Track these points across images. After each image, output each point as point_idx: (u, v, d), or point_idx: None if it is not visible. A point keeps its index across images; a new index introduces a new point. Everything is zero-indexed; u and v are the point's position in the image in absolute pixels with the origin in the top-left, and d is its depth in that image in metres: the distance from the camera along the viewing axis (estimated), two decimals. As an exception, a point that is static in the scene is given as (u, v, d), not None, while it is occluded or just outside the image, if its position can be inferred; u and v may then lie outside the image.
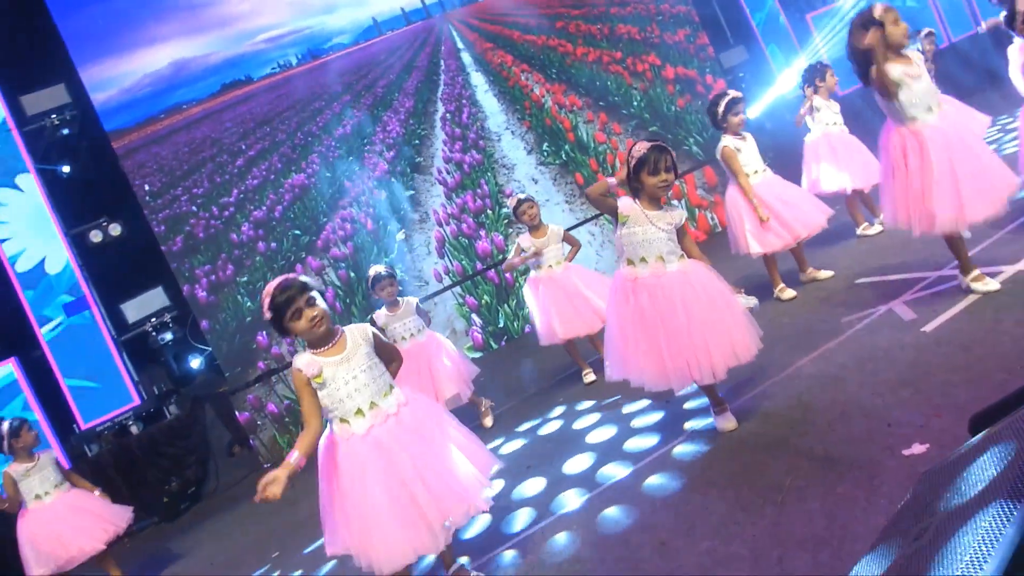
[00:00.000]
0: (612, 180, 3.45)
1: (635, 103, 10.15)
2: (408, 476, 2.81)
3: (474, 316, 8.86)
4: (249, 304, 8.30)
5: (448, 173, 9.23)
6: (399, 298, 5.42)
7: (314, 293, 2.90)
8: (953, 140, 3.68)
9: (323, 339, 2.92)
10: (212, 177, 8.54)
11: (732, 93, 5.31)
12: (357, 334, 2.99)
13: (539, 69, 9.88)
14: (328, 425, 2.96)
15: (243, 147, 8.76)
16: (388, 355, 3.09)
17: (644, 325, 3.38)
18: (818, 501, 2.65)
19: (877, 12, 3.77)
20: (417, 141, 9.23)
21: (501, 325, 8.84)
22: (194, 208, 8.36)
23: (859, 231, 6.13)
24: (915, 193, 3.70)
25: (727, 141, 5.28)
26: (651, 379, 3.39)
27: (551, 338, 5.47)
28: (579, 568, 2.98)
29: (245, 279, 8.36)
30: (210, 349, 8.26)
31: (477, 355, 8.67)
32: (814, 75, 6.39)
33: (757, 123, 10.84)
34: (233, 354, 8.15)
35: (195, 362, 8.31)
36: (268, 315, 2.90)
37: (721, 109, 5.26)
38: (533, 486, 4.00)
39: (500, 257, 9.05)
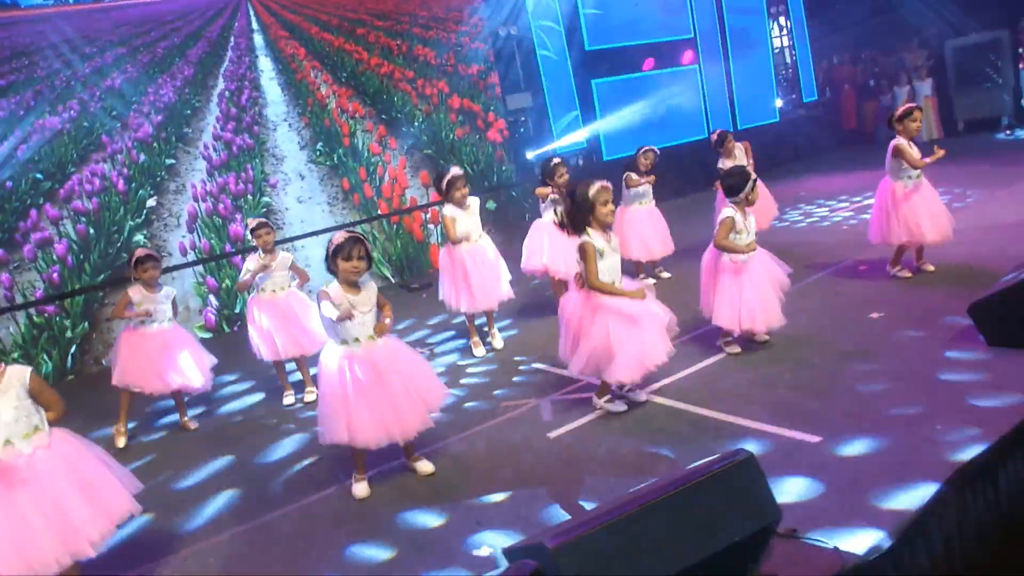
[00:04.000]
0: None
1: (417, 123, 10.65)
2: (22, 511, 3.11)
3: (211, 297, 8.96)
4: (-32, 240, 7.89)
5: (215, 151, 9.23)
6: (160, 283, 5.62)
7: None
8: (623, 309, 4.47)
9: None
10: (-50, 99, 7.99)
11: (454, 171, 5.96)
12: (14, 377, 3.24)
13: (330, 69, 10.10)
14: None
15: (-6, 74, 8.25)
16: (46, 403, 3.33)
17: (365, 394, 3.91)
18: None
19: (592, 192, 4.35)
20: (189, 111, 9.14)
21: (238, 311, 9.00)
22: (-78, 128, 7.77)
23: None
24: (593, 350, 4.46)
25: (447, 210, 5.95)
26: (373, 439, 3.93)
27: (273, 355, 5.84)
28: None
29: (-32, 214, 7.91)
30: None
31: (207, 335, 8.78)
32: (546, 176, 7.05)
33: (528, 167, 11.74)
34: (-63, 289, 7.72)
35: None
36: None
37: (444, 186, 5.91)
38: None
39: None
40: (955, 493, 3.22)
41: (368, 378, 3.92)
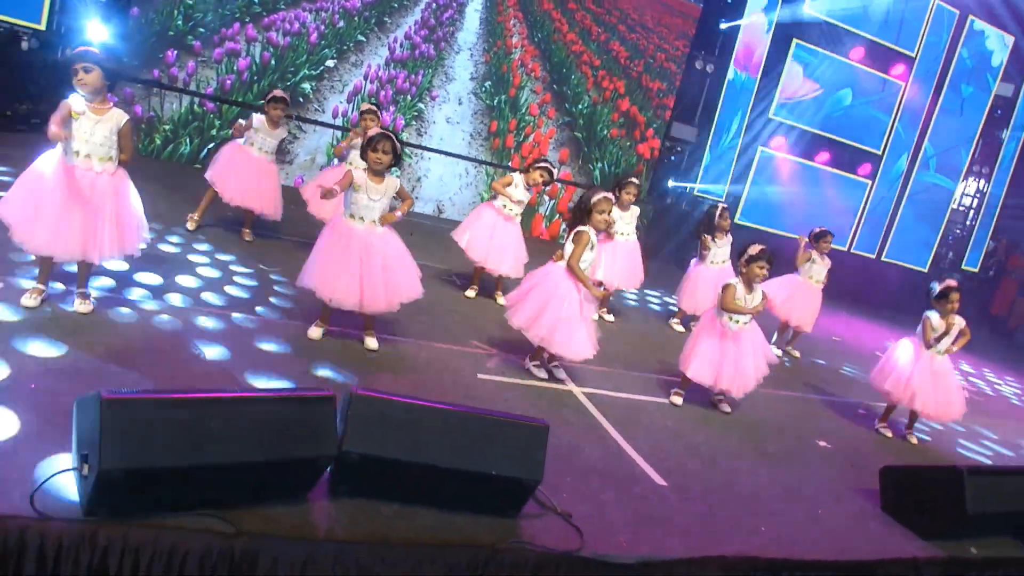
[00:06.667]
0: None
1: (581, 106, 11.35)
2: (74, 210, 4.12)
3: (335, 160, 10.07)
4: (180, 23, 9.27)
5: (400, 46, 10.29)
6: (283, 124, 6.69)
7: (91, 66, 4.12)
8: (586, 299, 5.17)
9: (89, 96, 4.18)
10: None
11: (545, 164, 6.73)
12: (115, 116, 4.24)
13: (528, 25, 10.93)
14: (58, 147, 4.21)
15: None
16: (123, 146, 4.31)
17: (349, 263, 4.78)
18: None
19: (593, 199, 5.09)
20: (396, 5, 10.22)
21: (351, 182, 10.09)
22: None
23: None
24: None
25: (516, 174, 6.74)
26: (336, 298, 4.80)
27: (317, 212, 6.87)
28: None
29: (191, 3, 9.28)
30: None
31: (317, 189, 9.91)
32: (615, 188, 7.62)
33: (662, 193, 12.26)
34: (141, 50, 9.14)
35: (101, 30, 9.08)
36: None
37: (532, 161, 6.66)
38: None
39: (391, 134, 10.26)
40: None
41: (355, 252, 4.76)
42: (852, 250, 14.29)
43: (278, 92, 6.67)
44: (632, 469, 4.50)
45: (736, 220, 12.86)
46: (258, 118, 6.62)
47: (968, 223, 15.47)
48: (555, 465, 4.19)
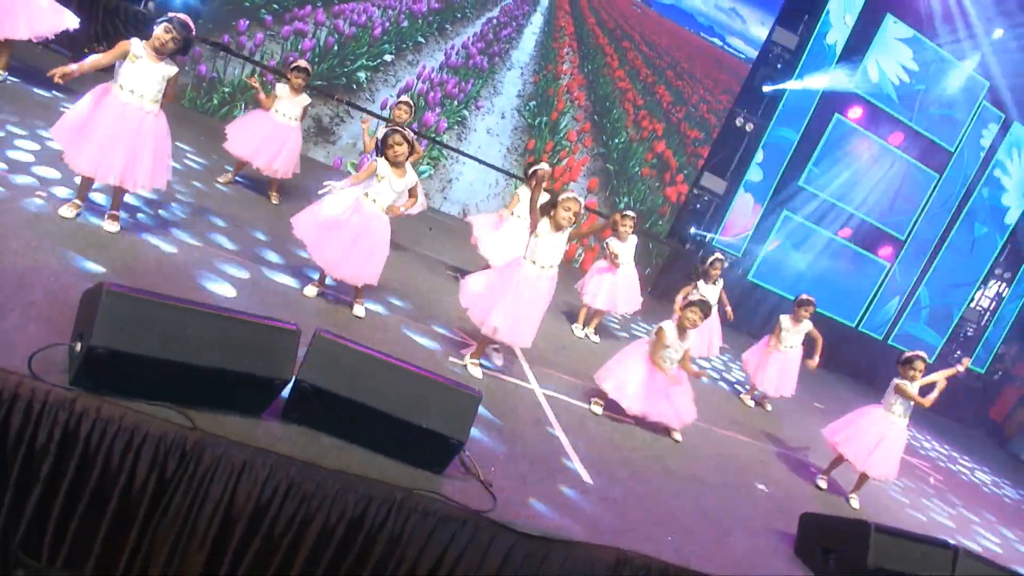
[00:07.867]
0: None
1: (617, 140, 11.84)
2: (120, 140, 4.70)
3: (374, 151, 10.66)
4: (257, -3, 9.97)
5: (456, 54, 10.88)
6: (304, 92, 7.25)
7: (180, 40, 4.73)
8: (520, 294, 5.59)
9: (157, 51, 4.76)
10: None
11: (542, 168, 7.16)
12: (169, 67, 4.84)
13: (581, 56, 11.47)
14: (113, 81, 4.80)
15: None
16: (168, 92, 4.91)
17: (342, 233, 5.25)
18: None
19: (560, 197, 5.42)
20: (459, 15, 10.83)
21: (386, 172, 10.67)
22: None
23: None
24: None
25: (521, 189, 7.25)
26: (322, 260, 5.33)
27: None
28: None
29: (270, -21, 9.98)
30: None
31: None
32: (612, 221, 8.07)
33: (682, 237, 12.67)
34: (216, 15, 9.85)
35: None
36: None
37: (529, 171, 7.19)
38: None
39: (432, 134, 10.85)
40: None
41: (355, 226, 5.25)
42: (860, 328, 14.53)
43: (301, 62, 7.22)
44: (564, 463, 4.93)
45: (749, 278, 13.25)
46: (281, 87, 7.19)
47: (983, 323, 15.61)
48: (493, 444, 4.68)
